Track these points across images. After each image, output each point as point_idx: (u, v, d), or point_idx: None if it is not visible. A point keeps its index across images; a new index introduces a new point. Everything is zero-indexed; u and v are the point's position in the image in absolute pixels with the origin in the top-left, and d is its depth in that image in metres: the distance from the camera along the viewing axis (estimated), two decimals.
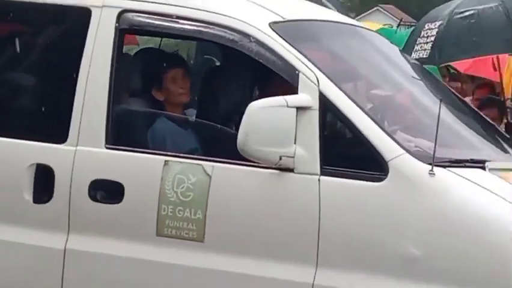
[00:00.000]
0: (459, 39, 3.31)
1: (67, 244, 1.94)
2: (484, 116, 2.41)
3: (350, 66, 2.25)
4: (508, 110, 3.77)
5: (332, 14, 2.48)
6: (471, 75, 5.12)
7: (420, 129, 1.99)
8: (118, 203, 1.90)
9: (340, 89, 1.85)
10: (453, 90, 2.54)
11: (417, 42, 3.41)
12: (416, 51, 3.38)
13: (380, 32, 6.20)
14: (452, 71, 5.50)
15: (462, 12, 3.30)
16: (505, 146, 2.15)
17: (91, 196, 1.92)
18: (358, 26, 2.57)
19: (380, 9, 19.98)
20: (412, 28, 5.07)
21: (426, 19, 3.64)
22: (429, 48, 3.27)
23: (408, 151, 1.80)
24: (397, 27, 9.13)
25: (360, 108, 1.84)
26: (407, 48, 3.54)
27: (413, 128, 1.99)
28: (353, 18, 5.40)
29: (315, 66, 1.86)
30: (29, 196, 1.96)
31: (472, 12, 3.26)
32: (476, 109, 2.56)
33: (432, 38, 3.28)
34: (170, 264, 1.87)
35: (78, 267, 1.95)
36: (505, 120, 3.41)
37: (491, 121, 3.06)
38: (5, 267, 1.98)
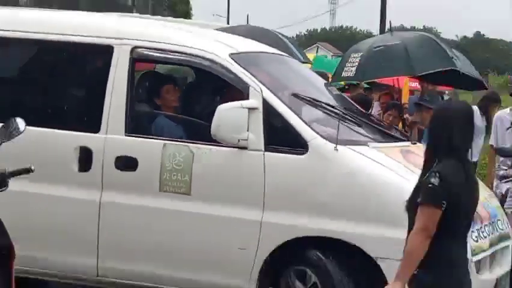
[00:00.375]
0: (375, 65, 4.55)
1: (101, 198, 2.89)
2: (368, 113, 3.44)
3: (282, 81, 3.20)
4: (405, 109, 5.11)
5: (267, 48, 3.43)
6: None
7: (327, 121, 2.97)
8: (134, 171, 2.87)
9: (276, 96, 2.81)
10: (345, 96, 3.61)
11: (346, 66, 4.68)
12: (345, 71, 4.66)
13: (316, 59, 9.68)
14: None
15: (377, 47, 4.56)
16: (384, 133, 3.16)
17: (116, 167, 2.87)
18: (285, 56, 3.57)
19: (319, 45, 27.63)
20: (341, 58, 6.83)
21: (351, 51, 4.92)
22: (355, 70, 4.49)
23: (320, 135, 2.77)
24: (316, 53, 12.69)
25: (289, 108, 2.80)
26: (338, 70, 4.93)
27: (323, 120, 2.97)
28: None
29: (259, 81, 2.81)
30: (75, 167, 2.90)
31: (383, 47, 4.52)
32: (360, 108, 3.56)
33: (356, 64, 4.47)
34: (169, 209, 2.83)
35: (109, 214, 2.89)
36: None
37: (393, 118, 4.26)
38: (59, 214, 2.90)
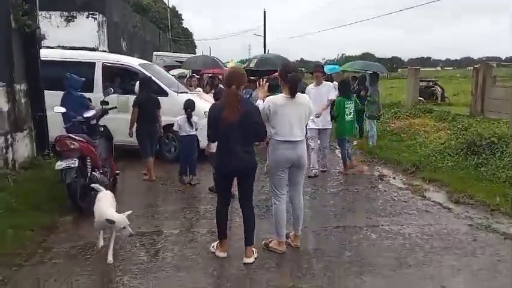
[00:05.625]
0: (263, 63, 11.43)
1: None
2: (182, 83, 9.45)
3: (155, 72, 9.01)
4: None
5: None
6: None
7: (172, 85, 8.79)
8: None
9: (154, 77, 8.52)
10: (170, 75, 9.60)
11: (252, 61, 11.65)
12: (249, 65, 11.65)
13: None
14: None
15: (263, 55, 11.90)
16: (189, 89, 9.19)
17: (100, 104, 8.35)
18: (151, 64, 9.62)
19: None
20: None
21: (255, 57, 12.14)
22: (254, 64, 11.40)
23: (171, 90, 8.57)
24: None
25: (160, 81, 8.55)
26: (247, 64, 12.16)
27: (171, 85, 8.78)
28: None
29: (148, 72, 8.55)
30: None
31: (266, 55, 12.13)
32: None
33: (255, 61, 11.33)
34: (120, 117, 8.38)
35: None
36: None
37: None
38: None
